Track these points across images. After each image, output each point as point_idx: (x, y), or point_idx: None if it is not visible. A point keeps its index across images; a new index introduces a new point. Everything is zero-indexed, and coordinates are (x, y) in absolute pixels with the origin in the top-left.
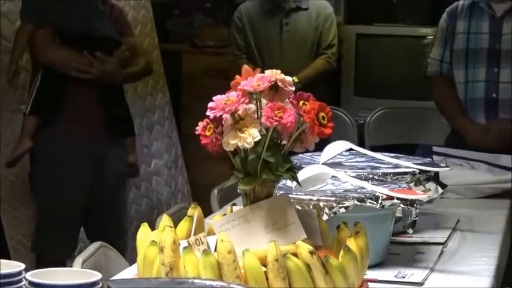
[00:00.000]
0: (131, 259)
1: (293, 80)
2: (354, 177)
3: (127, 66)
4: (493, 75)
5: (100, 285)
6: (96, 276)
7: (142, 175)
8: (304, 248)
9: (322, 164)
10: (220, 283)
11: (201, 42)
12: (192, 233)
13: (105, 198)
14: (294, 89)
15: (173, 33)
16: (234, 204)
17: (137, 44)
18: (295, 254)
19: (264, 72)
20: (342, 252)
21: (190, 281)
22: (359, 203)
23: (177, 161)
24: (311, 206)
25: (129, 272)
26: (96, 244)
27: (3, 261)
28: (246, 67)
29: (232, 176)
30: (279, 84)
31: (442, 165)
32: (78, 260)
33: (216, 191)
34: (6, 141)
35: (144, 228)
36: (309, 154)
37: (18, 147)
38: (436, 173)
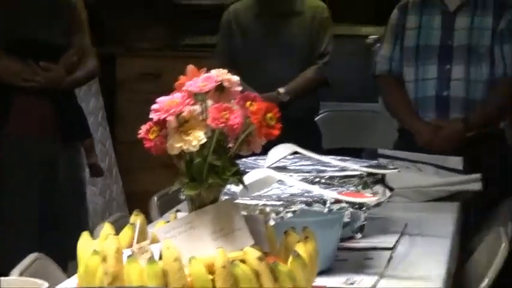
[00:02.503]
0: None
1: (278, 92)
2: (300, 181)
3: (74, 70)
4: (444, 72)
5: None
6: (42, 285)
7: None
8: (252, 255)
9: (267, 167)
10: None
11: (136, 45)
12: (135, 241)
13: (62, 207)
14: (241, 88)
15: (107, 35)
16: (178, 211)
17: (88, 44)
18: (243, 261)
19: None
20: (291, 258)
21: None
22: (306, 207)
23: (112, 169)
24: (257, 211)
25: (69, 284)
26: (33, 255)
27: None
28: (190, 66)
29: (176, 181)
30: (225, 84)
31: (390, 167)
32: (15, 271)
33: (155, 198)
34: None
35: (85, 237)
36: (252, 158)
37: None
38: (383, 176)
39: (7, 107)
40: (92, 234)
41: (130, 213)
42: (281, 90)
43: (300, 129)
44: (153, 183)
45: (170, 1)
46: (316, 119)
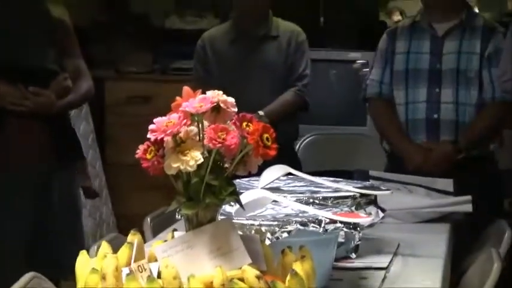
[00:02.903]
0: None
1: (258, 115)
2: (294, 201)
3: (66, 93)
4: (434, 95)
5: None
6: None
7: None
8: (251, 273)
9: (261, 188)
10: None
11: (124, 68)
12: (133, 260)
13: (56, 226)
14: (236, 110)
15: (95, 59)
16: (175, 230)
17: (82, 66)
18: (241, 279)
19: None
20: (288, 277)
21: None
22: (302, 227)
23: (101, 191)
24: (253, 231)
25: None
26: (29, 274)
27: None
28: (186, 88)
29: (174, 201)
30: (222, 105)
31: (382, 188)
32: None
33: (149, 219)
34: None
35: (83, 255)
36: (246, 179)
37: None
38: (375, 197)
39: None
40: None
41: (122, 234)
42: (260, 113)
43: (279, 156)
44: (143, 204)
45: (156, 26)
46: (304, 142)
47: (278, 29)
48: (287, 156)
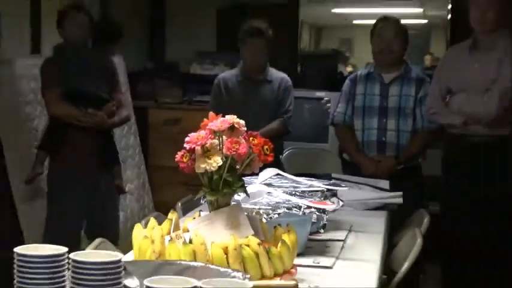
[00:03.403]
0: (122, 250)
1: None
2: (282, 193)
3: (113, 116)
4: (382, 124)
5: (122, 263)
6: (117, 256)
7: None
8: (254, 241)
9: (259, 183)
10: (198, 263)
11: (161, 100)
12: (172, 231)
13: (103, 209)
14: (245, 129)
15: (142, 93)
16: (201, 211)
17: (123, 99)
18: (247, 245)
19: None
20: (279, 244)
21: (178, 262)
22: (288, 211)
23: (145, 185)
24: (254, 213)
25: (128, 258)
26: (98, 240)
27: (48, 245)
28: (211, 113)
29: (200, 191)
30: (235, 125)
31: (342, 185)
32: (90, 247)
33: (179, 204)
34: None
35: (138, 227)
36: (248, 177)
37: (32, 172)
38: (337, 191)
39: (63, 139)
40: (131, 229)
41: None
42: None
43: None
44: (171, 195)
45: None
46: (286, 153)
47: (272, 75)
48: (276, 163)
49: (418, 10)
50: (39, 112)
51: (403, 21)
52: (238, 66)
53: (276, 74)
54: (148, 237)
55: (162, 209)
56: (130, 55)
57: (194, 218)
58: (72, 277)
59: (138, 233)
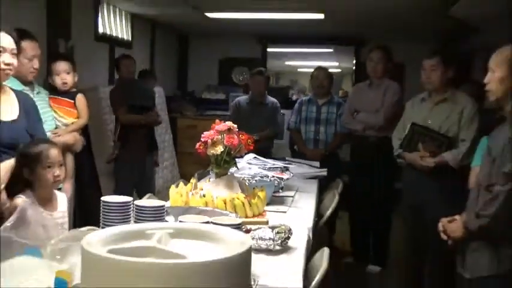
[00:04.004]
0: None
1: (254, 137)
2: (258, 168)
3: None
4: (317, 129)
5: (164, 207)
6: (162, 203)
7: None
8: (241, 196)
9: (246, 162)
10: (208, 208)
11: (185, 113)
12: (193, 188)
13: (147, 176)
14: (237, 130)
15: (173, 109)
16: (210, 178)
17: (158, 110)
18: (237, 198)
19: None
20: (256, 198)
21: (197, 207)
22: (261, 178)
23: (174, 163)
24: (241, 179)
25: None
26: (149, 194)
27: (121, 196)
28: (217, 121)
29: (210, 166)
30: (231, 127)
31: (292, 164)
32: (145, 197)
33: (196, 174)
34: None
35: (172, 187)
36: (238, 159)
37: (110, 155)
38: (289, 167)
39: (128, 135)
40: (167, 189)
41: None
42: (255, 136)
43: (264, 153)
44: (190, 169)
45: (198, 96)
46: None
47: (268, 99)
48: (268, 152)
49: (336, 63)
50: (111, 120)
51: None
52: (249, 94)
53: (270, 99)
54: (178, 192)
55: (185, 178)
56: (167, 86)
57: (206, 182)
58: (136, 216)
59: (173, 190)
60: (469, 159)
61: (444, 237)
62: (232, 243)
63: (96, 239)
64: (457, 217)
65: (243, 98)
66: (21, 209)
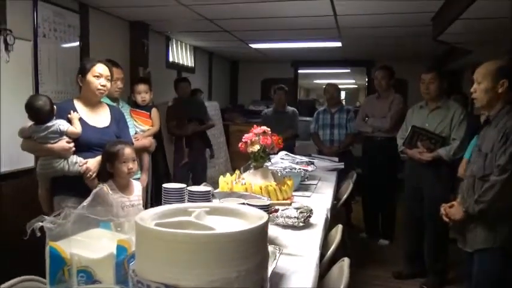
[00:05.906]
0: (215, 188)
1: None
2: (289, 162)
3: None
4: (332, 133)
5: (211, 191)
6: (209, 188)
7: (216, 161)
8: (273, 184)
9: (277, 158)
10: (248, 193)
11: (236, 121)
12: (236, 178)
13: (200, 168)
14: (270, 132)
15: (226, 118)
16: (250, 169)
17: (208, 119)
18: (271, 185)
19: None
20: (285, 185)
21: (239, 192)
22: (290, 170)
23: (227, 159)
24: (275, 171)
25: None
26: (204, 183)
27: (177, 184)
28: (255, 126)
29: (250, 161)
30: (265, 131)
31: (315, 159)
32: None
33: (242, 168)
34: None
35: (222, 176)
36: (272, 155)
37: (183, 159)
38: (313, 162)
39: (191, 138)
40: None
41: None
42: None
43: (288, 150)
44: (240, 164)
45: (246, 108)
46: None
47: (288, 108)
48: (290, 149)
49: (353, 81)
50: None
51: (344, 86)
52: (273, 105)
53: (290, 108)
54: (225, 181)
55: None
56: (221, 101)
57: (246, 172)
58: (188, 198)
59: (221, 179)
60: (459, 154)
61: (446, 219)
62: (253, 218)
63: (148, 215)
64: (454, 203)
65: (269, 110)
66: (95, 193)
